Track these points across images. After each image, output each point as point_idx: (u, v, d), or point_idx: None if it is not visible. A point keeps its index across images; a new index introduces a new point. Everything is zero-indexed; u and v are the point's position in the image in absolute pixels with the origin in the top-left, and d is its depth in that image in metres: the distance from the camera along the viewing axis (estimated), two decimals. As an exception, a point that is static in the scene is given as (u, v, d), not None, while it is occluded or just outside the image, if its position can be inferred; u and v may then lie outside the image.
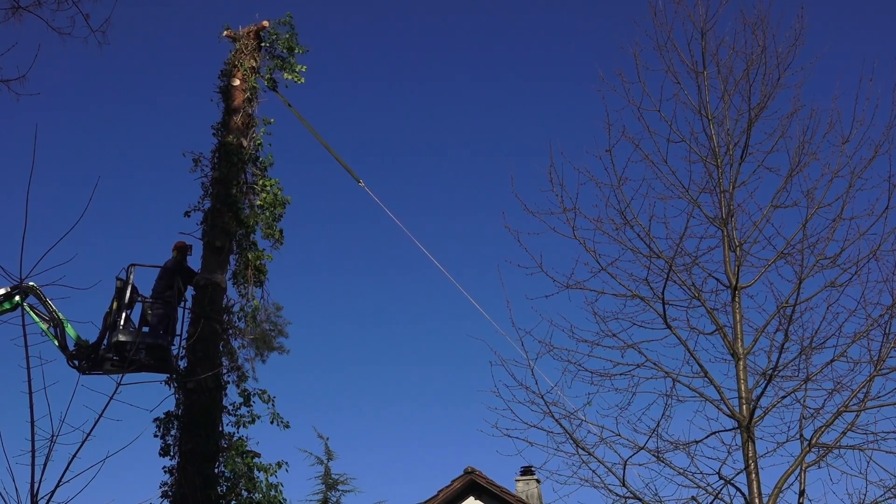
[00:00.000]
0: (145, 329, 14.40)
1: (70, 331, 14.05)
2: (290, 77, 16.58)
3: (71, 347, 14.02)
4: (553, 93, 65.33)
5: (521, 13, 65.85)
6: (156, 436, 13.95)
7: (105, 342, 14.05)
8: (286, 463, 14.32)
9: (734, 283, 12.30)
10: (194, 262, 15.22)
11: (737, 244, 12.50)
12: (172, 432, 13.98)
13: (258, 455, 14.08)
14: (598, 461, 11.77)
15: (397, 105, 66.93)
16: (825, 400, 11.62)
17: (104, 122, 62.43)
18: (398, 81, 66.14)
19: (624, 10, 54.41)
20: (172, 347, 14.30)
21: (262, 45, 16.69)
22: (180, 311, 14.57)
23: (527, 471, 24.54)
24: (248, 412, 14.43)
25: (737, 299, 12.26)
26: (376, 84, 65.75)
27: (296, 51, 16.73)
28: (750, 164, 12.90)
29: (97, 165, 57.83)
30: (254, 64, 16.42)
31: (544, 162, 12.85)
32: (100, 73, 62.97)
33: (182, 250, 15.11)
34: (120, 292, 14.19)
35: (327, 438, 31.79)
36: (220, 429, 14.01)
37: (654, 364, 12.24)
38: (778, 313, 12.04)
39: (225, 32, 16.67)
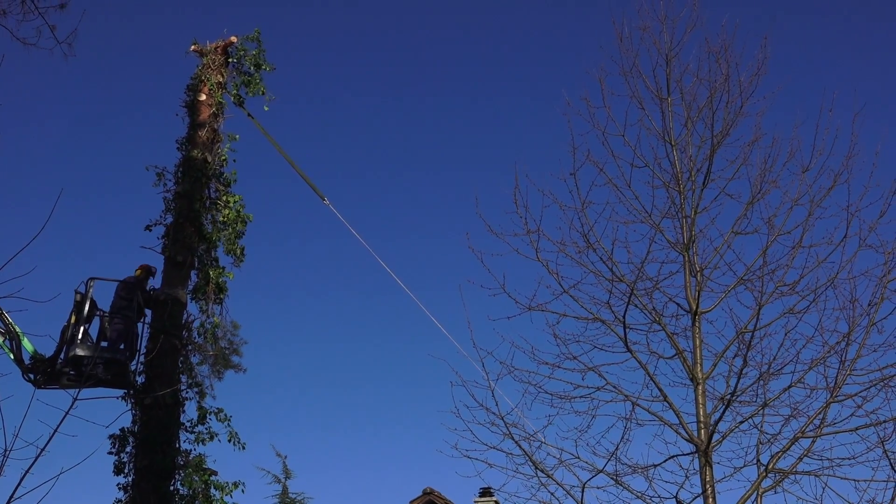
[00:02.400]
0: (103, 343, 14.19)
1: (26, 344, 13.81)
2: (254, 94, 16.51)
3: (27, 361, 13.78)
4: (519, 115, 65.78)
5: (488, 36, 66.29)
6: (111, 452, 13.75)
7: (62, 356, 13.83)
8: (243, 483, 14.19)
9: (694, 308, 12.38)
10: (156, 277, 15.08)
11: (697, 269, 12.60)
12: (128, 449, 13.78)
13: (215, 473, 13.94)
14: (557, 483, 11.79)
15: (363, 124, 67.03)
16: (782, 426, 11.76)
17: (68, 133, 61.93)
18: (364, 100, 66.26)
19: (590, 35, 54.97)
20: (131, 363, 14.11)
21: (230, 60, 16.60)
22: (140, 326, 14.38)
23: (486, 492, 24.48)
24: (205, 429, 14.28)
25: (697, 324, 12.35)
26: (342, 103, 65.83)
27: (263, 68, 16.69)
28: (712, 190, 13.06)
29: (59, 177, 57.31)
30: (220, 79, 16.33)
31: (509, 184, 12.93)
32: (64, 85, 62.50)
33: (147, 271, 14.87)
34: (78, 306, 13.98)
35: (285, 457, 31.66)
36: (177, 446, 13.85)
37: (614, 387, 12.29)
38: (737, 339, 12.12)
39: (192, 47, 16.55)
